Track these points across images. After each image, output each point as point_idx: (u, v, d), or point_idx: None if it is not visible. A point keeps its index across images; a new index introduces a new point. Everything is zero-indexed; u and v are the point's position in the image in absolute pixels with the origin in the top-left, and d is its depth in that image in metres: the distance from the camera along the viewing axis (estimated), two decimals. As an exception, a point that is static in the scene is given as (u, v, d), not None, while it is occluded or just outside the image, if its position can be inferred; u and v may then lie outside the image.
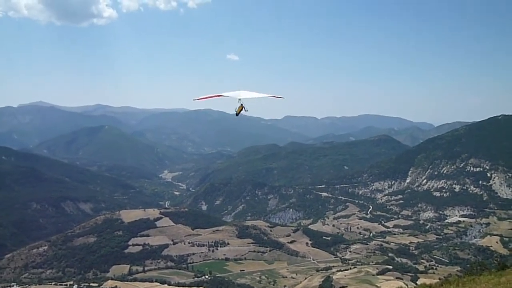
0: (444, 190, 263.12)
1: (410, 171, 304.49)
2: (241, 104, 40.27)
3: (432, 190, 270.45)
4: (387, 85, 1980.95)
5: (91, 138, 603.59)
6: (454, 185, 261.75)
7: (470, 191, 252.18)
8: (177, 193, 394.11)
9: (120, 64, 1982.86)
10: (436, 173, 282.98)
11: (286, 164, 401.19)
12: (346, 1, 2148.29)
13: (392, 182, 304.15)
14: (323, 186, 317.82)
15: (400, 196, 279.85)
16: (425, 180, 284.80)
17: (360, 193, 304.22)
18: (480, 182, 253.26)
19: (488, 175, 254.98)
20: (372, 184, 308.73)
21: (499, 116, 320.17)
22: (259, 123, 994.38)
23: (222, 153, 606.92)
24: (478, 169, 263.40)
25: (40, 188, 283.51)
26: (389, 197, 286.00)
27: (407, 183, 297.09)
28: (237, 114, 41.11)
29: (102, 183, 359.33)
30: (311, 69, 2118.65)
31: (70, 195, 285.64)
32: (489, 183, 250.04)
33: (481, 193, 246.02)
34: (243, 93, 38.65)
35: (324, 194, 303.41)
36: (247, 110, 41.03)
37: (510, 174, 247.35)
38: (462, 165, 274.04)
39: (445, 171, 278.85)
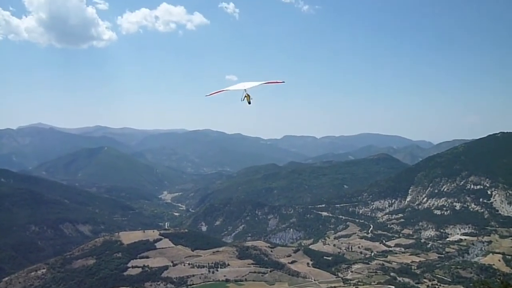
0: (444, 208, 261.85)
1: (410, 190, 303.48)
2: (247, 94, 44.57)
3: (432, 208, 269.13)
4: (386, 103, 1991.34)
5: (90, 159, 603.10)
6: (454, 203, 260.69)
7: (471, 209, 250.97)
8: (176, 214, 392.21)
9: (120, 86, 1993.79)
10: (436, 191, 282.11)
11: (286, 184, 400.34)
12: (342, 20, 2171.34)
13: (393, 201, 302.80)
14: (323, 205, 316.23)
15: (400, 215, 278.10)
16: (425, 199, 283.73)
17: (360, 212, 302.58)
18: (481, 199, 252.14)
19: (489, 192, 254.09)
20: (372, 203, 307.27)
21: (498, 133, 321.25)
22: (259, 143, 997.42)
23: (221, 173, 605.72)
24: (478, 186, 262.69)
25: (39, 210, 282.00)
26: (389, 216, 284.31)
27: (407, 201, 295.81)
28: (249, 102, 45.72)
29: (101, 205, 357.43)
30: (309, 88, 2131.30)
31: (69, 217, 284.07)
32: (490, 201, 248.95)
33: (482, 211, 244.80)
34: (247, 84, 43.62)
35: (324, 213, 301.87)
36: (252, 98, 45.33)
37: (510, 192, 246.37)
38: (462, 183, 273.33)
39: (445, 189, 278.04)
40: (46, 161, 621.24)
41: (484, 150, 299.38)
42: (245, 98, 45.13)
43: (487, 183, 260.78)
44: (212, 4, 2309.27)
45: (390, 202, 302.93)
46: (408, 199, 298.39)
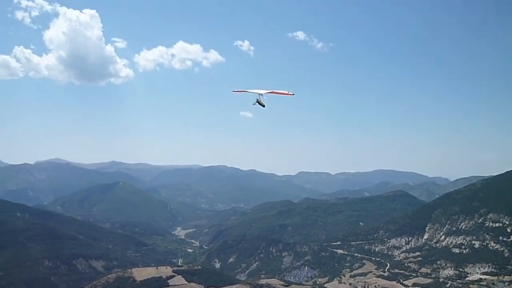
0: (463, 247, 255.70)
1: (427, 227, 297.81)
2: (260, 99, 57.66)
3: (451, 246, 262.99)
4: (401, 140, 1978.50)
5: (105, 194, 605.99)
6: (473, 241, 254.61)
7: (491, 247, 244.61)
8: (190, 250, 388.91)
9: (136, 121, 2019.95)
10: (454, 228, 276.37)
11: (301, 221, 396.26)
12: (355, 56, 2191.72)
13: (410, 239, 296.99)
14: (338, 243, 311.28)
15: (418, 253, 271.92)
16: (443, 236, 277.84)
17: (376, 250, 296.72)
18: (500, 237, 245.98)
19: (508, 230, 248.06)
20: (388, 240, 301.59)
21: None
22: (273, 179, 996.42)
23: (236, 210, 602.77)
24: (497, 224, 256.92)
25: (53, 245, 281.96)
26: (406, 254, 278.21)
27: (424, 239, 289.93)
28: (263, 106, 58.59)
29: (115, 240, 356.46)
30: (324, 125, 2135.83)
31: (83, 253, 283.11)
32: (510, 239, 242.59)
33: (502, 249, 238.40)
34: (262, 91, 56.91)
35: (339, 251, 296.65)
36: (264, 106, 58.83)
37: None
38: (480, 220, 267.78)
39: (463, 227, 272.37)
40: (62, 196, 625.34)
41: (503, 187, 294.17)
42: (257, 102, 57.98)
43: (506, 220, 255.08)
44: (228, 42, 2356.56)
45: (407, 239, 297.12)
46: (425, 236, 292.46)
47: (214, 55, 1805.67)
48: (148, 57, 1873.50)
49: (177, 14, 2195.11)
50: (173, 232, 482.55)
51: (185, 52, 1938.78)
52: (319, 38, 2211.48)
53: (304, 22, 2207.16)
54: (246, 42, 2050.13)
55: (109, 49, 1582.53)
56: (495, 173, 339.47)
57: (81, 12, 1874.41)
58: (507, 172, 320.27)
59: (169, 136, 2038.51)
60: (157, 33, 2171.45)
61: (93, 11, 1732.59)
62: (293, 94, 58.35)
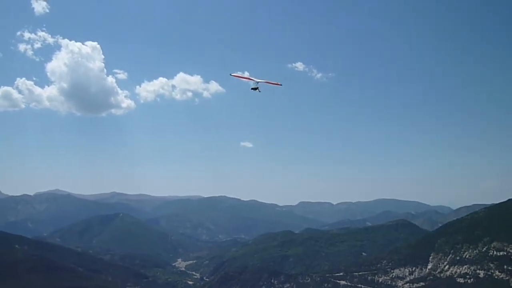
0: (468, 276, 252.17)
1: (431, 257, 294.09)
2: (258, 86, 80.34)
3: (455, 276, 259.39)
4: (402, 169, 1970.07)
5: (105, 226, 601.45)
6: (478, 271, 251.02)
7: (496, 277, 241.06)
8: (190, 282, 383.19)
9: (136, 152, 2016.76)
10: (458, 258, 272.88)
11: (302, 251, 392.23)
12: (355, 87, 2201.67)
13: (413, 269, 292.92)
14: (341, 273, 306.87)
15: (422, 283, 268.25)
16: (447, 266, 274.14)
17: (380, 280, 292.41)
18: (505, 266, 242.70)
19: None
20: (392, 271, 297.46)
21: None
22: (274, 210, 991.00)
23: (237, 241, 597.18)
24: (501, 253, 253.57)
25: (52, 277, 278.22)
26: (410, 284, 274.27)
27: (428, 269, 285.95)
28: (259, 91, 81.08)
29: (115, 272, 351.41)
30: (324, 154, 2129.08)
31: (82, 285, 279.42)
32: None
33: (507, 278, 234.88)
34: (258, 79, 78.26)
35: (342, 282, 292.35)
36: (260, 91, 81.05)
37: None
38: (484, 249, 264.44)
39: (467, 256, 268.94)
40: (61, 227, 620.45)
41: (505, 215, 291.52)
42: (255, 88, 79.02)
43: (510, 248, 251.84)
44: (228, 73, 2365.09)
45: (411, 270, 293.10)
46: (429, 266, 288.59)
47: (214, 86, 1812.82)
48: (149, 88, 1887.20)
49: (178, 46, 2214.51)
50: (173, 264, 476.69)
51: (186, 83, 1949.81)
52: (319, 68, 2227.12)
53: (303, 53, 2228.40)
54: (246, 73, 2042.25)
55: (111, 80, 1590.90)
56: (498, 201, 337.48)
57: (83, 44, 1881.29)
58: (509, 199, 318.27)
59: (170, 167, 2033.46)
60: (157, 65, 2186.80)
61: (95, 43, 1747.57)
62: (281, 85, 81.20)
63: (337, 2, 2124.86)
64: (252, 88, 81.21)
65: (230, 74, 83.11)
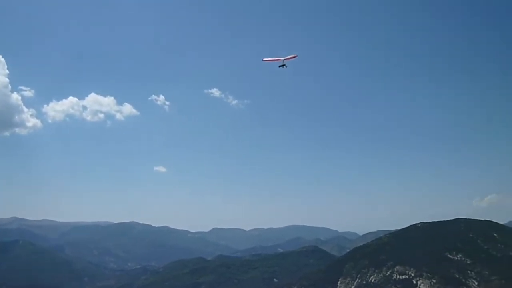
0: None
1: (339, 281, 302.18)
2: (285, 63, 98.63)
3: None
4: (313, 195, 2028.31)
5: (3, 254, 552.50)
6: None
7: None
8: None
9: (41, 175, 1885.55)
10: (364, 282, 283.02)
11: (214, 279, 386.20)
12: (271, 113, 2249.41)
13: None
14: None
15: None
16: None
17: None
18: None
19: (414, 282, 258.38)
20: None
21: (418, 223, 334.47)
22: (186, 236, 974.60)
23: (146, 268, 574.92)
24: (404, 276, 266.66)
25: None
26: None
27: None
28: (286, 66, 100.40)
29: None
30: (238, 181, 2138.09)
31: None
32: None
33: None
34: (282, 58, 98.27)
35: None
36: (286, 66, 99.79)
37: (434, 281, 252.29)
38: (388, 273, 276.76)
39: (372, 280, 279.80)
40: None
41: (407, 240, 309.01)
42: (283, 65, 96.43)
43: (412, 272, 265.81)
44: (142, 96, 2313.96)
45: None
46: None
47: (128, 109, 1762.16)
48: (57, 108, 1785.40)
49: (90, 65, 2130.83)
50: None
51: (98, 104, 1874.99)
52: (234, 95, 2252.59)
53: (219, 80, 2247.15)
54: (162, 97, 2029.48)
55: (15, 97, 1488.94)
56: (400, 226, 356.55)
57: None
58: (410, 225, 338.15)
59: (77, 191, 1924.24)
60: (67, 84, 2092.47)
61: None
62: (297, 56, 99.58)
63: (253, 31, 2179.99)
64: (279, 66, 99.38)
65: (263, 60, 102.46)
